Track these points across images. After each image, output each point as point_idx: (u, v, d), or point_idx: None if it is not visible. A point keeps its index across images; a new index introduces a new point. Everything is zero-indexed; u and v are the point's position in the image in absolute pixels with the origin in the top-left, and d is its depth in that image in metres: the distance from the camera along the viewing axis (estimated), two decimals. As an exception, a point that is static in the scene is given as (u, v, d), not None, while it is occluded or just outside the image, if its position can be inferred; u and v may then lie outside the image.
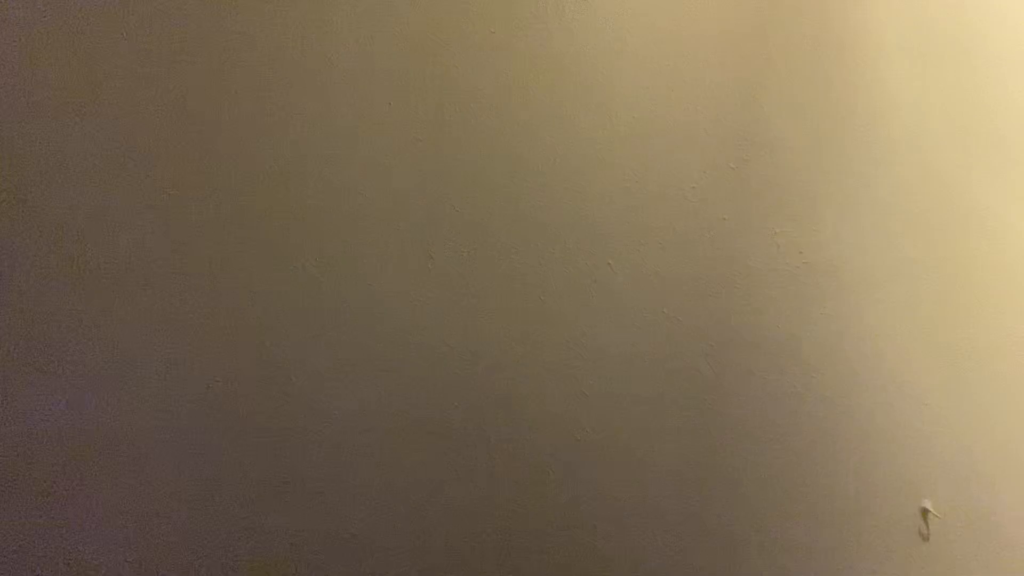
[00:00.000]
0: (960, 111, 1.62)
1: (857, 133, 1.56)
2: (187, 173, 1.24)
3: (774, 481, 1.50)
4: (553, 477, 1.40)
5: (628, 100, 1.43)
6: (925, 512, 1.58)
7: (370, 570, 1.32)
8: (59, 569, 1.19)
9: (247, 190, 1.27)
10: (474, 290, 1.36)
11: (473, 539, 1.37)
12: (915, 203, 1.59)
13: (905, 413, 1.58)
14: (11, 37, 1.17)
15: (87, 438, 1.20)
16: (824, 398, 1.53)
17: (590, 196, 1.41)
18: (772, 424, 1.50)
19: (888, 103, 1.58)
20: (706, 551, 1.47)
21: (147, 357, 1.22)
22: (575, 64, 1.41)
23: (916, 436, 1.58)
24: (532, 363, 1.39)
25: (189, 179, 1.24)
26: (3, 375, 1.17)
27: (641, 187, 1.44)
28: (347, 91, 1.31)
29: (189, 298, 1.24)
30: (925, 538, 1.59)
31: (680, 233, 1.46)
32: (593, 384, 1.41)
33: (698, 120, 1.47)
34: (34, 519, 1.18)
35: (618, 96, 1.43)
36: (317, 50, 1.30)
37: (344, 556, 1.30)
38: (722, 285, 1.48)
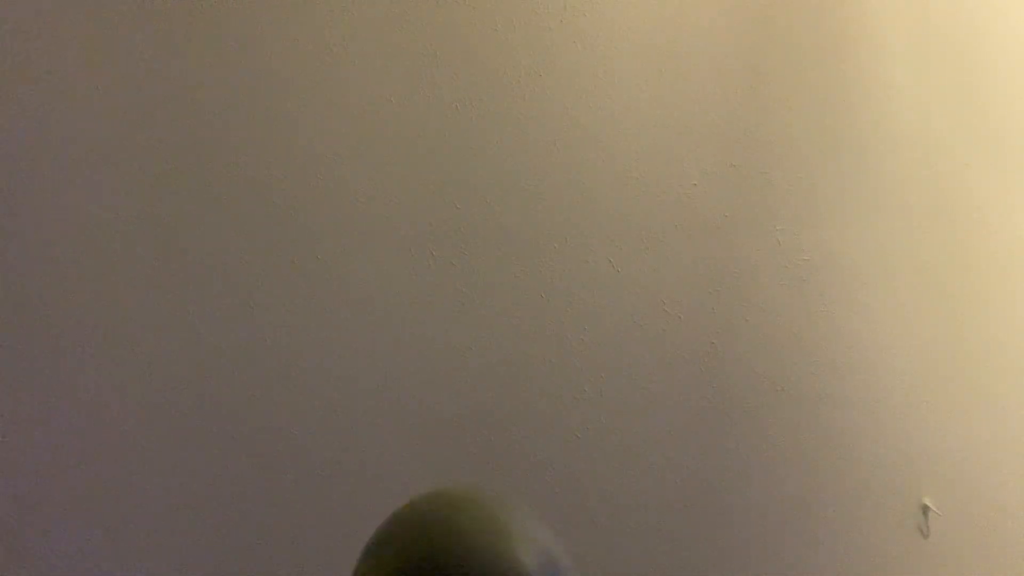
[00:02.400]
0: (961, 109, 1.62)
1: (859, 132, 1.56)
2: (189, 171, 1.24)
3: (775, 477, 1.51)
4: (553, 475, 1.40)
5: (630, 98, 1.43)
6: (925, 509, 1.59)
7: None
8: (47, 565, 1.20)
9: (248, 188, 1.27)
10: (475, 287, 1.36)
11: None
12: (917, 201, 1.59)
13: (906, 410, 1.58)
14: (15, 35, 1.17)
15: (84, 434, 1.20)
16: (825, 395, 1.53)
17: (591, 194, 1.41)
18: (773, 420, 1.51)
19: (890, 102, 1.57)
20: (707, 548, 1.47)
21: (148, 357, 1.23)
22: (577, 62, 1.40)
23: (917, 433, 1.59)
24: (533, 360, 1.39)
25: (191, 177, 1.24)
26: (6, 373, 1.17)
27: (642, 185, 1.44)
28: (349, 89, 1.30)
29: (188, 296, 1.24)
30: (925, 535, 1.59)
31: (682, 231, 1.46)
32: (593, 381, 1.41)
33: (700, 118, 1.47)
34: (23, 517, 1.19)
35: (620, 95, 1.42)
36: (320, 50, 1.29)
37: (343, 555, 1.31)
38: (723, 282, 1.48)
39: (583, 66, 1.41)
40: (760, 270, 1.50)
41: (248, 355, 1.27)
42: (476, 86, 1.36)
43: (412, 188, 1.33)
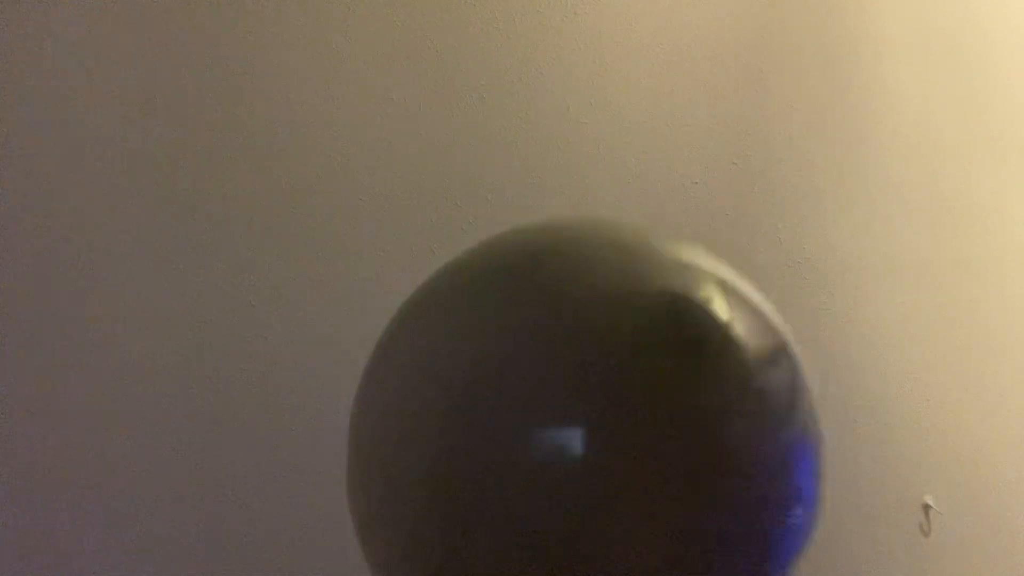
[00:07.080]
0: (964, 108, 1.62)
1: (861, 129, 1.56)
2: (186, 169, 1.23)
3: (776, 477, 1.50)
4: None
5: (631, 95, 1.43)
6: (927, 507, 1.59)
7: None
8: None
9: (246, 184, 1.26)
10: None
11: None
12: (919, 199, 1.59)
13: (908, 408, 1.58)
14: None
15: (71, 440, 1.19)
16: (827, 392, 1.52)
17: (592, 191, 1.41)
18: (774, 420, 1.50)
19: (892, 100, 1.58)
20: (708, 547, 1.47)
21: (141, 356, 1.22)
22: (578, 58, 1.40)
23: (919, 432, 1.59)
24: (534, 359, 1.38)
25: (188, 175, 1.23)
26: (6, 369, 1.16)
27: (643, 182, 1.43)
28: (350, 85, 1.30)
29: (185, 293, 1.23)
30: (926, 533, 1.59)
31: (683, 228, 1.45)
32: (596, 380, 1.41)
33: (701, 115, 1.46)
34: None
35: (621, 91, 1.42)
36: (320, 44, 1.29)
37: (346, 558, 1.30)
38: (725, 281, 1.48)
39: (584, 63, 1.40)
40: (762, 268, 1.49)
41: (248, 353, 1.26)
42: (477, 83, 1.35)
43: (412, 185, 1.33)
